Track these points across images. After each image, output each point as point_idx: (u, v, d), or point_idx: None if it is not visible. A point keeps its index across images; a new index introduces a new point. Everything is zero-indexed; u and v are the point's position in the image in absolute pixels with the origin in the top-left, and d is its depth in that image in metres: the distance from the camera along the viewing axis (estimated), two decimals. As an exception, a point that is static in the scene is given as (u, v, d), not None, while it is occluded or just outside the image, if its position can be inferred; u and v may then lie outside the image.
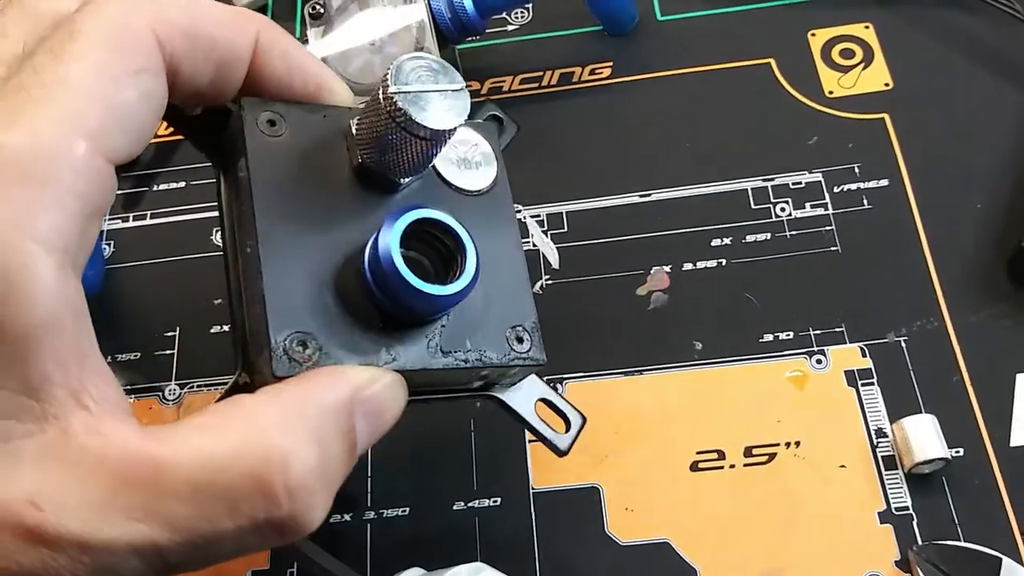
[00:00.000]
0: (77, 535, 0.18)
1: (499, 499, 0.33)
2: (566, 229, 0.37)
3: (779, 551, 0.31)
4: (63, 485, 0.18)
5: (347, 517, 0.33)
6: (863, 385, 0.33)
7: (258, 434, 0.20)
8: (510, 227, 0.27)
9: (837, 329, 0.34)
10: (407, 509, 0.33)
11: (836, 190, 0.37)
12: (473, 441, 0.34)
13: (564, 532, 0.32)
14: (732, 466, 0.32)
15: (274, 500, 0.19)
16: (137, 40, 0.21)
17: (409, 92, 0.22)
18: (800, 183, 0.37)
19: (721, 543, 0.31)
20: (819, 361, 0.34)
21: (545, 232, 0.37)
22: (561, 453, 0.29)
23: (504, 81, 0.41)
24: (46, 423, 0.18)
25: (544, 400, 0.29)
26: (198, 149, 0.26)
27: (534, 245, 0.37)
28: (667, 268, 0.36)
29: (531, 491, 0.33)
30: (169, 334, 0.37)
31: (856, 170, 0.37)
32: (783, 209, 0.37)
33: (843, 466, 0.32)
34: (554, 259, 0.37)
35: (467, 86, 0.42)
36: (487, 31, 0.42)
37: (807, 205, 0.37)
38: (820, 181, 0.37)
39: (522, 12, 0.43)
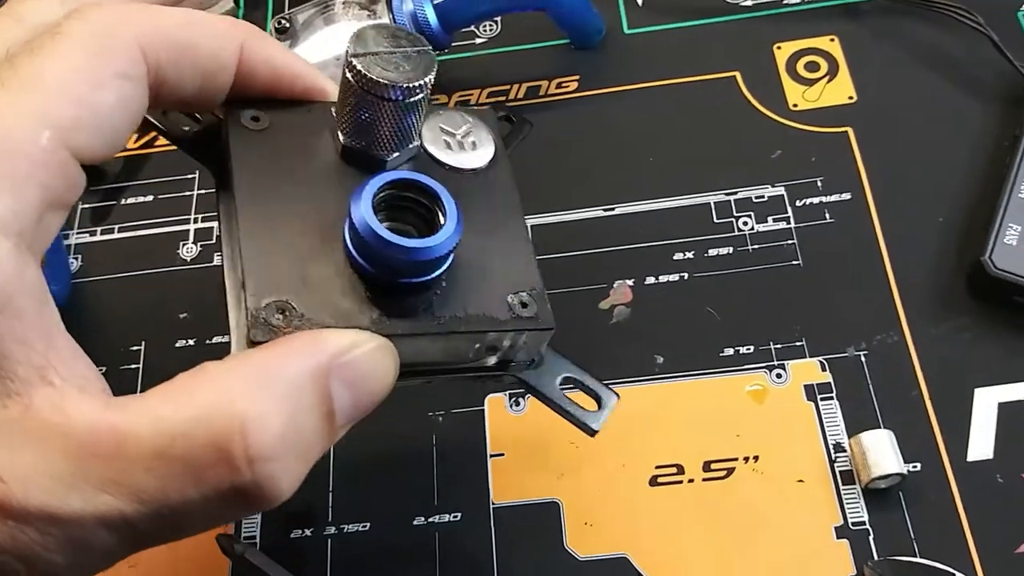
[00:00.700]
0: (43, 508, 0.18)
1: (459, 514, 0.33)
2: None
3: (736, 566, 0.31)
4: (28, 459, 0.18)
5: (307, 532, 0.33)
6: (822, 399, 0.33)
7: (221, 399, 0.19)
8: (511, 200, 0.26)
9: (797, 343, 0.34)
10: (368, 524, 0.33)
11: (798, 204, 0.37)
12: (434, 456, 0.34)
13: (523, 547, 0.32)
14: (691, 481, 0.33)
15: (235, 468, 0.19)
16: (120, 46, 0.21)
17: (370, 55, 0.22)
18: (763, 197, 0.37)
19: (679, 558, 0.31)
20: (779, 375, 0.34)
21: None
22: (593, 433, 0.27)
23: (471, 95, 0.41)
24: (8, 400, 0.18)
25: (571, 379, 0.27)
26: (207, 167, 0.26)
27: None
28: (630, 282, 0.36)
29: (491, 506, 0.33)
30: (134, 348, 0.37)
31: (819, 184, 0.37)
32: (745, 223, 0.37)
33: (801, 481, 0.32)
34: None
35: (434, 100, 0.42)
36: (455, 44, 0.42)
37: (769, 219, 0.37)
38: (783, 195, 0.37)
39: (490, 25, 0.43)
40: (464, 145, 0.26)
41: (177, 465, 0.19)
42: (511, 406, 0.35)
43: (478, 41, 0.43)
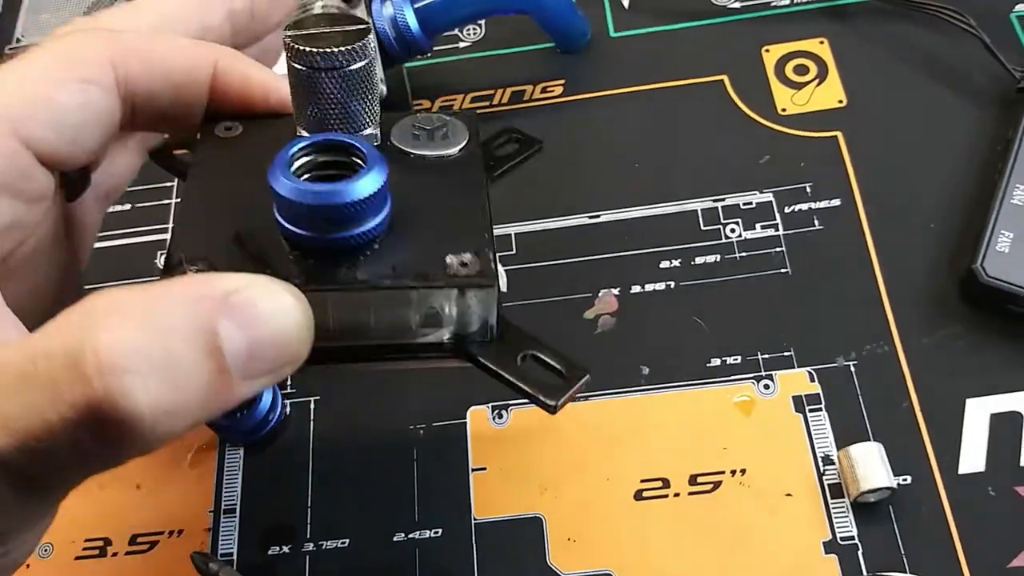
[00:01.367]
0: None
1: (440, 530, 0.32)
2: (515, 251, 0.37)
3: (723, 582, 0.30)
4: None
5: (285, 549, 0.32)
6: (811, 411, 0.33)
7: (86, 319, 0.18)
8: (475, 180, 0.25)
9: (786, 353, 0.34)
10: (347, 541, 0.32)
11: (787, 210, 0.36)
12: (415, 470, 0.33)
13: (505, 564, 0.31)
14: (677, 495, 0.32)
15: (86, 379, 0.17)
16: (87, 58, 0.22)
17: (305, 34, 0.22)
18: (751, 203, 0.36)
19: (665, 574, 0.31)
20: (767, 386, 0.33)
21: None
22: (551, 408, 0.24)
23: (455, 99, 0.41)
24: None
25: (534, 356, 0.24)
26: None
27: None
28: (615, 291, 0.36)
29: (473, 522, 0.32)
30: (111, 360, 0.36)
31: (808, 190, 0.36)
32: (733, 230, 0.36)
33: (789, 495, 0.31)
34: (503, 282, 0.36)
35: (417, 104, 0.42)
36: (438, 48, 0.42)
37: (757, 226, 0.36)
38: (771, 201, 0.36)
39: (474, 29, 0.43)
40: (434, 138, 0.26)
41: (36, 385, 0.18)
42: (494, 419, 0.34)
43: (461, 45, 0.42)
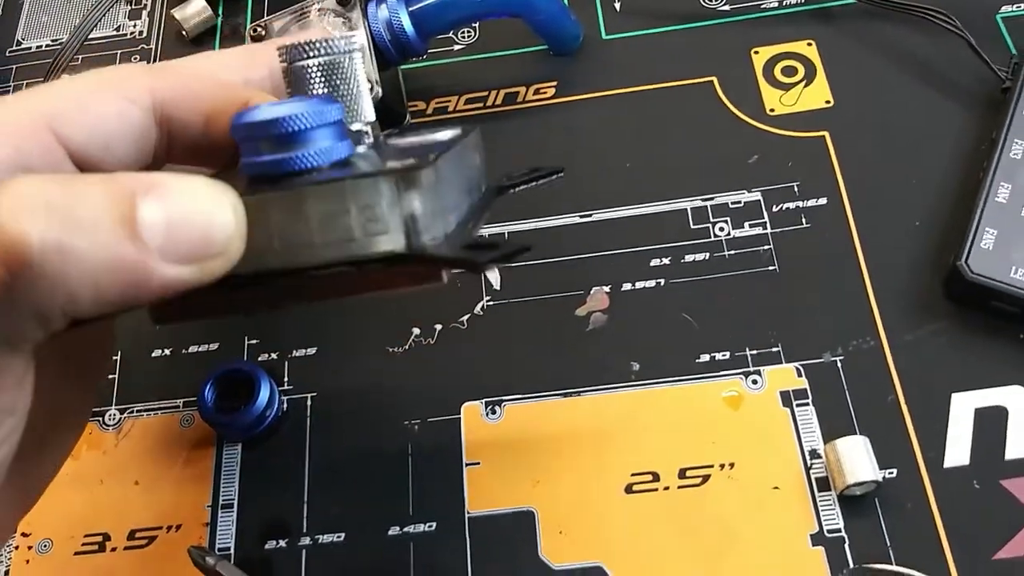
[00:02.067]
0: None
1: (434, 524, 0.33)
2: (507, 250, 0.37)
3: (712, 574, 0.31)
4: None
5: (282, 543, 0.33)
6: (798, 405, 0.33)
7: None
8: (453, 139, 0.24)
9: (773, 349, 0.34)
10: (343, 535, 0.33)
11: (775, 209, 0.37)
12: (410, 465, 0.34)
13: (498, 557, 0.32)
14: (666, 488, 0.32)
15: None
16: (128, 80, 0.23)
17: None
18: (739, 202, 0.37)
19: (654, 566, 0.31)
20: (755, 381, 0.34)
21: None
22: (476, 268, 0.20)
23: (449, 101, 0.41)
24: None
25: (484, 241, 0.22)
26: None
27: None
28: (607, 288, 0.36)
29: (466, 516, 0.33)
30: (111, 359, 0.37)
31: (795, 189, 0.37)
32: (722, 229, 0.37)
33: (776, 488, 0.32)
34: (496, 281, 0.37)
35: (412, 106, 0.42)
36: (433, 51, 0.42)
37: (746, 224, 0.37)
38: (759, 200, 0.37)
39: (468, 32, 0.43)
40: (424, 135, 0.26)
41: None
42: (487, 414, 0.34)
43: (456, 48, 0.43)
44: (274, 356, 0.37)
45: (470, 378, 0.35)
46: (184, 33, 0.45)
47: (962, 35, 0.38)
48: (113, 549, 0.33)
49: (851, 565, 0.31)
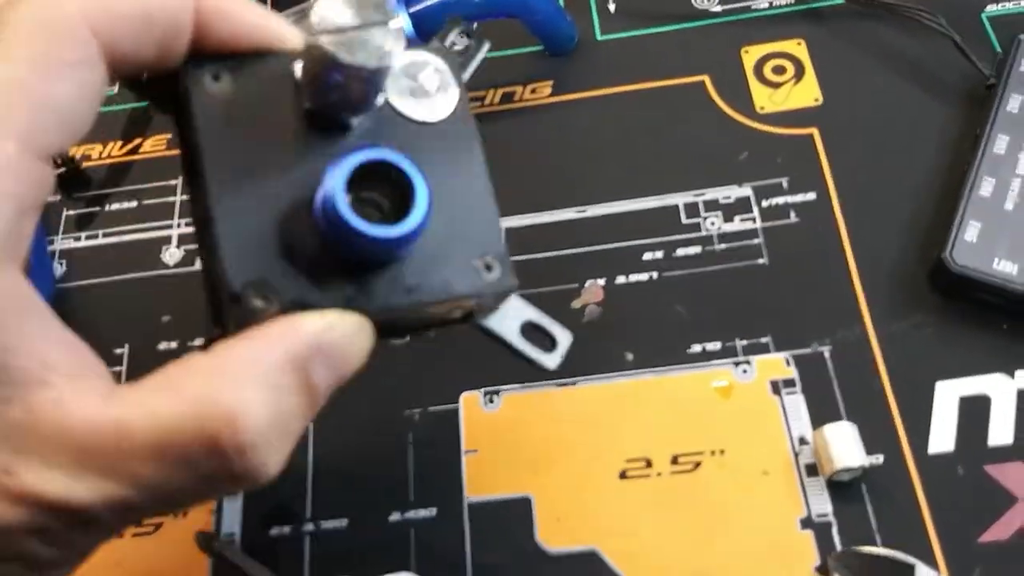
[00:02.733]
0: (52, 498, 0.19)
1: (434, 510, 0.34)
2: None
3: (703, 557, 0.32)
4: (35, 457, 0.19)
5: (286, 529, 0.34)
6: (787, 394, 0.34)
7: (208, 392, 0.20)
8: (474, 155, 0.26)
9: (763, 339, 0.35)
10: (345, 521, 0.34)
11: (764, 204, 0.38)
12: (410, 453, 0.35)
13: (496, 542, 0.33)
14: (659, 474, 0.33)
15: (227, 459, 0.20)
16: (69, 30, 0.20)
17: (335, 33, 0.22)
18: (730, 197, 0.38)
19: (647, 550, 0.32)
20: (745, 371, 0.35)
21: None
22: (550, 370, 0.28)
23: (448, 100, 0.42)
24: (9, 404, 0.19)
25: (529, 323, 0.27)
26: (158, 109, 0.26)
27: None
28: (601, 281, 0.37)
29: (465, 502, 0.34)
30: (118, 351, 0.38)
31: (784, 184, 0.38)
32: (713, 223, 0.38)
33: (766, 473, 0.33)
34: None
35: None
36: (432, 51, 0.43)
37: (736, 219, 0.38)
38: (749, 195, 0.38)
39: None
40: (427, 91, 0.26)
41: (171, 457, 0.20)
42: (485, 404, 0.35)
43: (455, 48, 0.44)
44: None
45: (469, 368, 0.36)
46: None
47: (948, 34, 0.39)
48: (121, 536, 0.34)
49: (839, 548, 0.31)
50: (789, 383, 0.34)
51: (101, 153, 0.43)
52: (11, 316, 0.20)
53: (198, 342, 0.38)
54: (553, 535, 0.33)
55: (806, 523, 0.32)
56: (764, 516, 0.32)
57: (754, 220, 0.37)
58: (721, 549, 0.32)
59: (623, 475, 0.33)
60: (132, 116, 0.44)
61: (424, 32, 0.39)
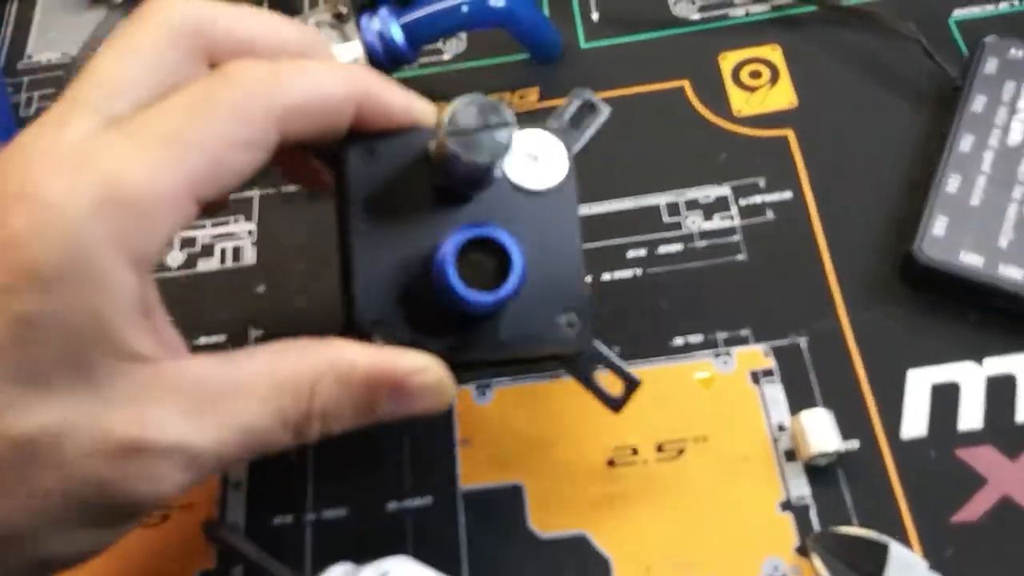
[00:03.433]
0: (177, 443, 0.23)
1: (430, 498, 0.35)
2: (495, 245, 0.40)
3: (687, 539, 0.33)
4: (164, 410, 0.23)
5: (289, 519, 0.35)
6: (766, 383, 0.36)
7: (310, 369, 0.26)
8: (571, 222, 0.29)
9: (743, 332, 0.37)
10: (345, 510, 0.35)
11: (742, 203, 0.39)
12: (406, 443, 0.36)
13: (489, 528, 0.34)
14: (645, 461, 0.35)
15: (309, 419, 0.26)
16: (259, 119, 0.25)
17: (459, 134, 0.26)
18: (709, 197, 0.40)
19: (634, 534, 0.34)
20: (725, 362, 0.36)
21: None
22: (617, 409, 0.31)
23: (438, 106, 0.44)
24: (142, 367, 0.23)
25: (603, 360, 0.31)
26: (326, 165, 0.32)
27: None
28: (588, 279, 0.39)
29: (459, 490, 0.35)
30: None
31: (761, 184, 0.40)
32: (693, 222, 0.39)
33: (747, 459, 0.34)
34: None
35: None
36: (424, 60, 0.45)
37: (716, 217, 0.39)
38: (728, 195, 0.40)
39: (457, 42, 0.46)
40: (539, 160, 0.29)
41: (275, 409, 0.25)
42: (477, 396, 0.37)
43: (445, 57, 0.46)
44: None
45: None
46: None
47: (916, 39, 0.41)
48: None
49: (817, 529, 0.33)
50: (768, 373, 0.36)
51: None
52: (143, 316, 0.24)
53: (202, 340, 0.39)
54: (544, 520, 0.34)
55: (785, 506, 0.33)
56: (745, 500, 0.34)
57: (733, 218, 0.39)
58: (704, 531, 0.33)
59: (610, 463, 0.35)
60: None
61: (415, 42, 0.41)
